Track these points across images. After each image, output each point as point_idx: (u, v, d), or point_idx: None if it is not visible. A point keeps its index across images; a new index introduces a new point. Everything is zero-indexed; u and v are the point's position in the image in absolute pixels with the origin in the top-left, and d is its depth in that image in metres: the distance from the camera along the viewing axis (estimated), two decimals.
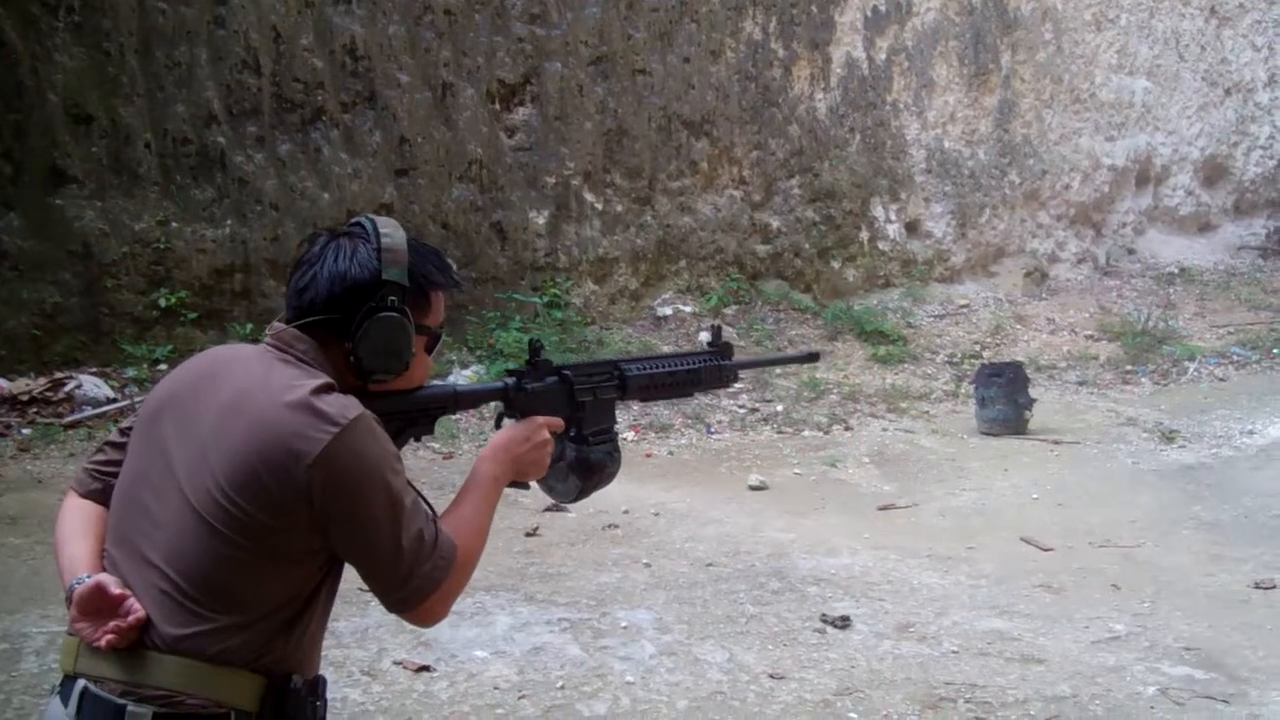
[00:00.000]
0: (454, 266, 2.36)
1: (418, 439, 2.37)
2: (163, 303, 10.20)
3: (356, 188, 11.65)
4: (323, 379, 2.09)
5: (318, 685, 2.16)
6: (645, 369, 2.72)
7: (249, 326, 10.64)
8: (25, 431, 8.88)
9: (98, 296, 10.02)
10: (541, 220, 12.82)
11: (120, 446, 2.26)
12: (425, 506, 2.13)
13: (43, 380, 9.40)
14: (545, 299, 12.26)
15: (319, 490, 1.99)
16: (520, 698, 5.22)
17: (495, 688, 5.31)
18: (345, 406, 2.04)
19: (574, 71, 13.10)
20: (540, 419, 2.42)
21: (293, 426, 2.00)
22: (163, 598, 2.01)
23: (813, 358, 3.48)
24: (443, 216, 12.15)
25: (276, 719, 2.06)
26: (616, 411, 2.70)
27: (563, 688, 5.33)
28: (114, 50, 10.47)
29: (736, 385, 11.61)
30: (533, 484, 2.55)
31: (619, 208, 13.41)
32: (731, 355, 2.93)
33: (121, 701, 1.98)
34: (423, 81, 12.17)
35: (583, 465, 2.57)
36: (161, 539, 2.05)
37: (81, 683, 2.03)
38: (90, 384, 9.45)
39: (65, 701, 2.05)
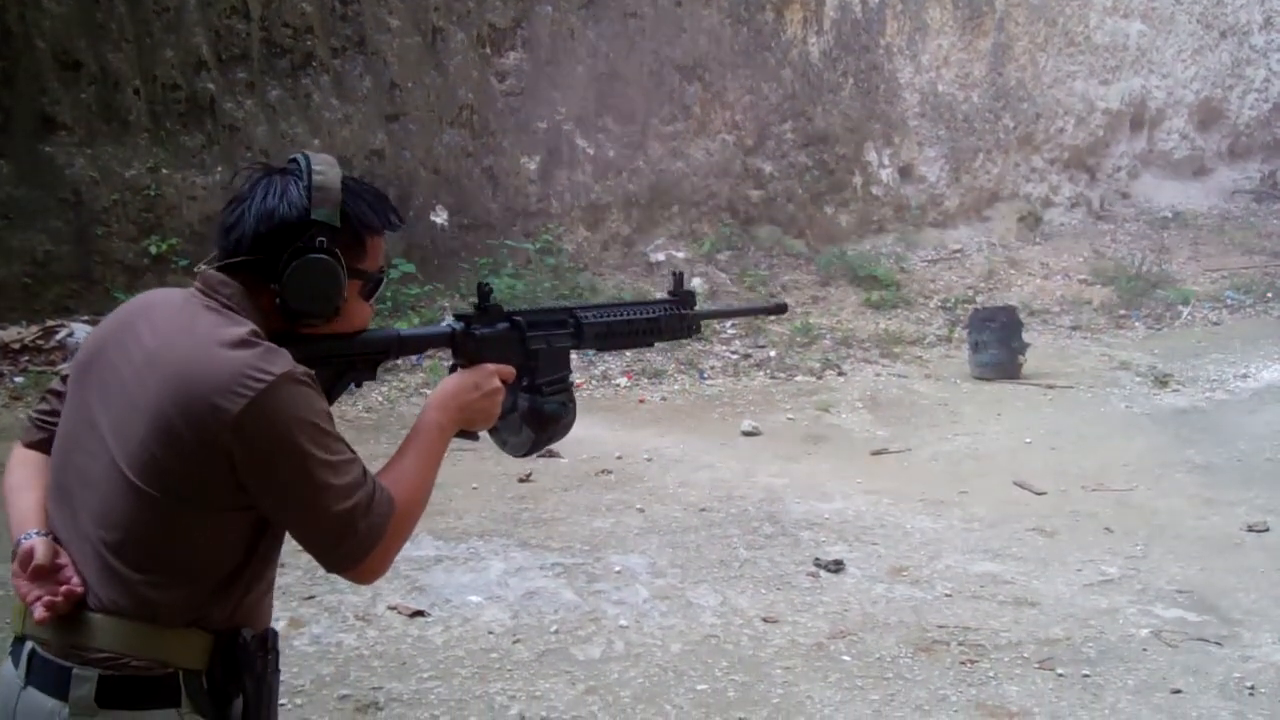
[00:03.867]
0: (391, 204, 2.22)
1: (358, 384, 2.27)
2: (154, 250, 10.14)
3: (347, 133, 11.58)
4: (247, 328, 1.99)
5: (268, 638, 2.11)
6: (602, 316, 2.58)
7: None
8: (18, 380, 8.85)
9: (89, 244, 9.95)
10: (533, 166, 12.76)
11: (60, 395, 2.19)
12: (359, 463, 2.03)
13: (34, 328, 9.36)
14: (537, 245, 12.21)
15: (240, 450, 1.91)
16: (515, 641, 5.24)
17: (490, 632, 5.33)
18: (269, 361, 1.94)
19: (564, 15, 13.00)
20: (491, 366, 2.29)
21: (213, 382, 1.91)
22: (98, 559, 1.98)
23: (780, 309, 3.33)
24: (434, 162, 12.08)
25: (226, 675, 2.01)
26: (577, 359, 2.59)
27: (556, 632, 5.35)
28: None
29: (728, 332, 11.64)
30: (484, 436, 2.44)
31: (611, 153, 13.35)
32: (694, 305, 2.79)
33: (67, 664, 1.96)
34: (413, 26, 12.07)
35: (536, 416, 2.43)
36: (93, 499, 2.00)
37: (30, 645, 2.01)
38: (82, 332, 9.41)
39: (15, 663, 2.03)
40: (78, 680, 1.94)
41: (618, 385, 10.27)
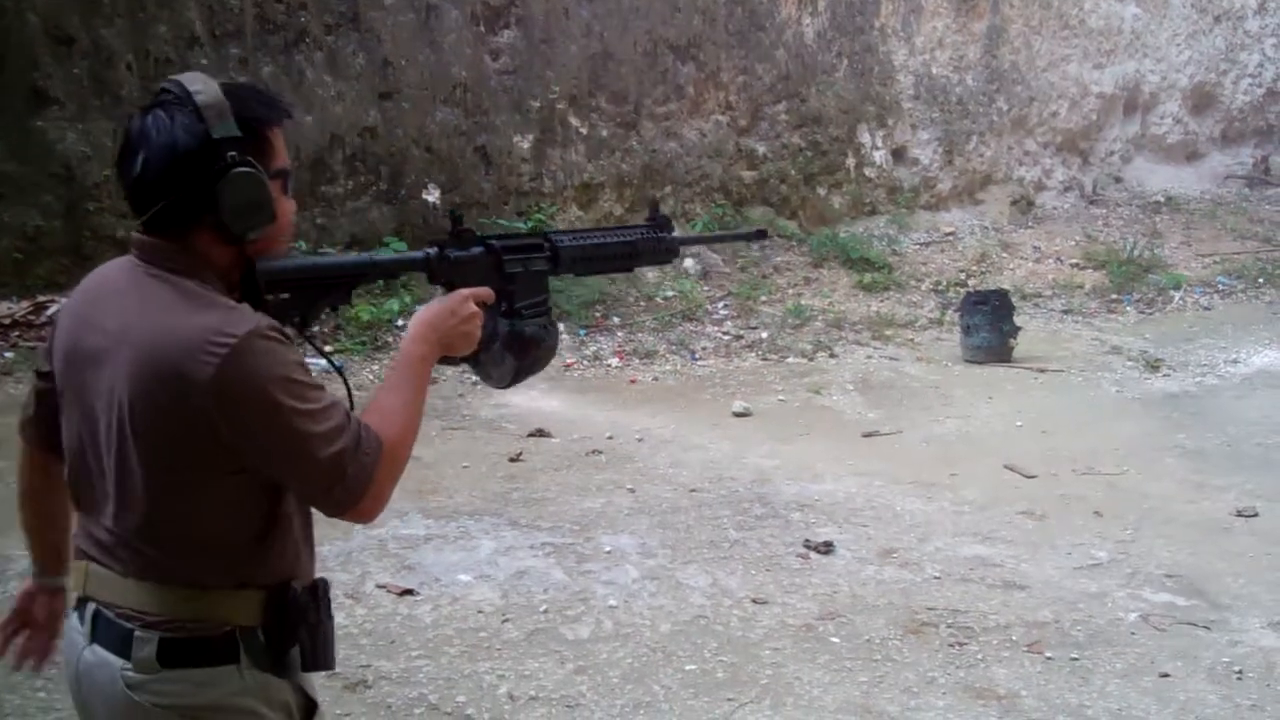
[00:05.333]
0: (279, 95, 2.23)
1: (334, 309, 2.26)
2: None
3: (340, 110, 11.54)
4: (198, 292, 2.02)
5: (318, 589, 2.17)
6: (578, 240, 2.56)
7: None
8: (8, 355, 8.83)
9: (80, 219, 9.91)
10: (526, 145, 12.72)
11: (49, 391, 2.26)
12: (340, 406, 2.05)
13: (25, 303, 9.34)
14: (530, 224, 12.17)
15: (219, 414, 1.94)
16: (504, 621, 5.26)
17: (479, 611, 5.35)
18: (231, 323, 1.96)
19: None
20: (467, 290, 2.27)
21: (180, 352, 1.95)
22: (130, 548, 2.06)
23: (760, 235, 3.32)
24: (427, 140, 12.04)
25: (279, 628, 2.09)
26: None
27: (546, 611, 5.37)
28: None
29: (720, 313, 11.64)
30: (466, 368, 2.46)
31: (604, 133, 13.31)
32: (670, 229, 2.76)
33: (130, 626, 2.04)
34: (407, 3, 12.01)
35: (517, 340, 2.40)
36: (110, 490, 2.06)
37: (93, 605, 2.10)
38: None
39: (80, 621, 2.13)
40: (139, 642, 2.03)
41: (609, 365, 10.26)
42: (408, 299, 10.21)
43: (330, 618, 2.20)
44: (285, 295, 2.13)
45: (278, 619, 2.08)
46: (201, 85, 2.04)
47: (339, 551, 5.84)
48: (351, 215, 11.62)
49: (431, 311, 2.25)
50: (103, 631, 2.08)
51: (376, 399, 2.18)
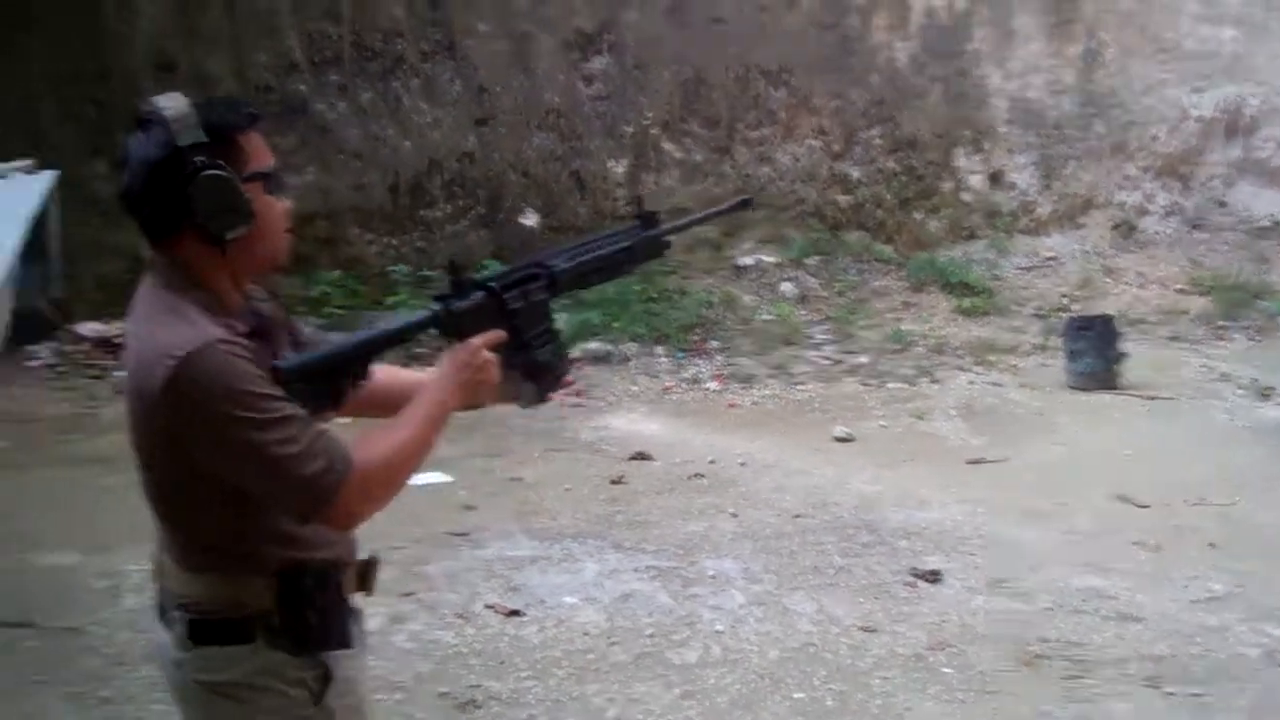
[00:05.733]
0: (244, 102, 2.31)
1: (354, 385, 2.30)
2: None
3: (437, 136, 11.66)
4: (172, 306, 2.11)
5: (326, 572, 2.25)
6: (573, 260, 2.58)
7: (335, 273, 10.70)
8: (120, 373, 8.98)
9: None
10: (620, 169, 12.77)
11: None
12: (300, 420, 2.10)
13: None
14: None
15: (172, 422, 2.06)
16: (610, 644, 5.22)
17: (585, 633, 5.33)
18: (183, 337, 2.05)
19: (650, 20, 13.00)
20: (477, 340, 2.34)
21: (147, 364, 2.06)
22: (162, 531, 2.24)
23: (746, 203, 3.28)
24: (523, 165, 12.12)
25: (287, 610, 2.20)
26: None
27: (652, 635, 5.33)
28: None
29: (818, 337, 11.56)
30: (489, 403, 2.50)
31: (698, 157, 13.32)
32: (659, 223, 2.79)
33: (170, 606, 2.24)
34: (501, 30, 12.13)
35: (532, 369, 2.49)
36: (142, 479, 2.22)
37: (158, 585, 2.30)
38: None
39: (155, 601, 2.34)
40: (174, 621, 2.22)
41: (708, 389, 10.23)
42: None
43: (342, 600, 2.29)
44: (307, 386, 2.19)
45: (287, 602, 2.19)
46: (170, 101, 2.14)
47: (447, 571, 5.87)
48: (450, 239, 11.72)
49: (450, 364, 2.33)
50: (160, 609, 2.28)
51: (374, 429, 2.26)
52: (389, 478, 2.20)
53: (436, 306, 2.36)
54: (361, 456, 2.14)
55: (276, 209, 2.23)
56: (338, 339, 2.32)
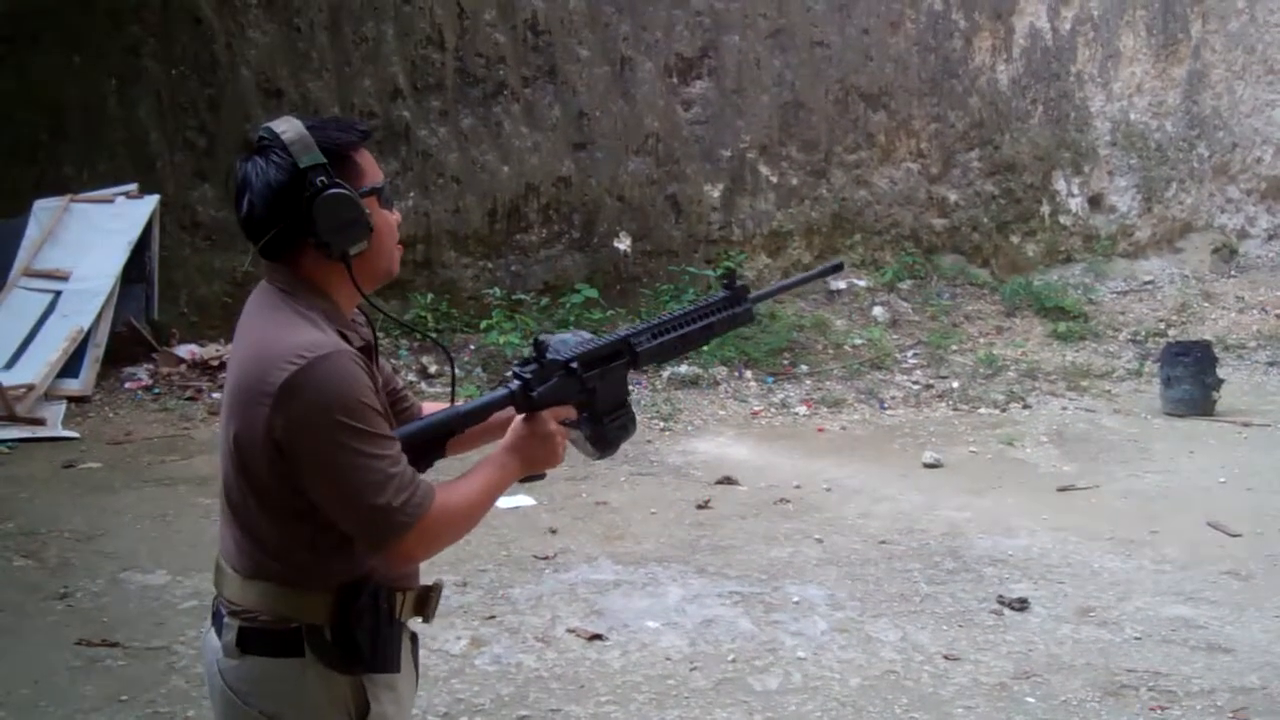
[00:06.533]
0: (355, 120, 2.40)
1: (430, 464, 2.37)
2: None
3: (536, 160, 11.79)
4: (302, 313, 2.18)
5: (378, 595, 2.24)
6: (656, 339, 2.63)
7: (429, 296, 10.85)
8: (215, 395, 9.18)
9: None
10: (716, 193, 12.83)
11: None
12: (395, 445, 2.17)
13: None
14: (718, 272, 12.24)
15: (277, 419, 2.08)
16: (692, 669, 5.24)
17: (667, 658, 5.34)
18: (314, 342, 2.11)
19: (751, 44, 13.05)
20: (546, 414, 2.41)
21: (266, 363, 2.10)
22: (231, 533, 2.27)
23: (837, 268, 3.31)
24: (619, 189, 12.22)
25: (341, 629, 2.20)
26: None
27: (734, 661, 5.34)
28: (304, 26, 10.75)
29: (909, 362, 11.51)
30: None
31: (794, 180, 13.34)
32: (747, 296, 2.79)
33: (224, 613, 2.26)
34: (602, 56, 12.25)
35: (600, 441, 2.55)
36: (223, 483, 2.26)
37: (217, 590, 2.33)
38: None
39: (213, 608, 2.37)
40: (226, 628, 2.25)
41: (796, 413, 10.23)
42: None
43: (392, 623, 2.28)
44: (358, 354, 2.25)
45: (341, 619, 2.20)
46: (286, 125, 2.22)
47: (530, 595, 5.93)
48: (545, 263, 11.84)
49: (518, 436, 2.40)
50: (215, 616, 2.31)
51: (456, 480, 2.32)
52: (448, 533, 2.27)
53: (515, 385, 2.42)
54: (438, 503, 2.20)
55: (390, 221, 2.32)
56: (420, 421, 2.39)
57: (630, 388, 2.61)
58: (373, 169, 2.29)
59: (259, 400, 2.10)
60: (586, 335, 2.59)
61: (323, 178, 2.17)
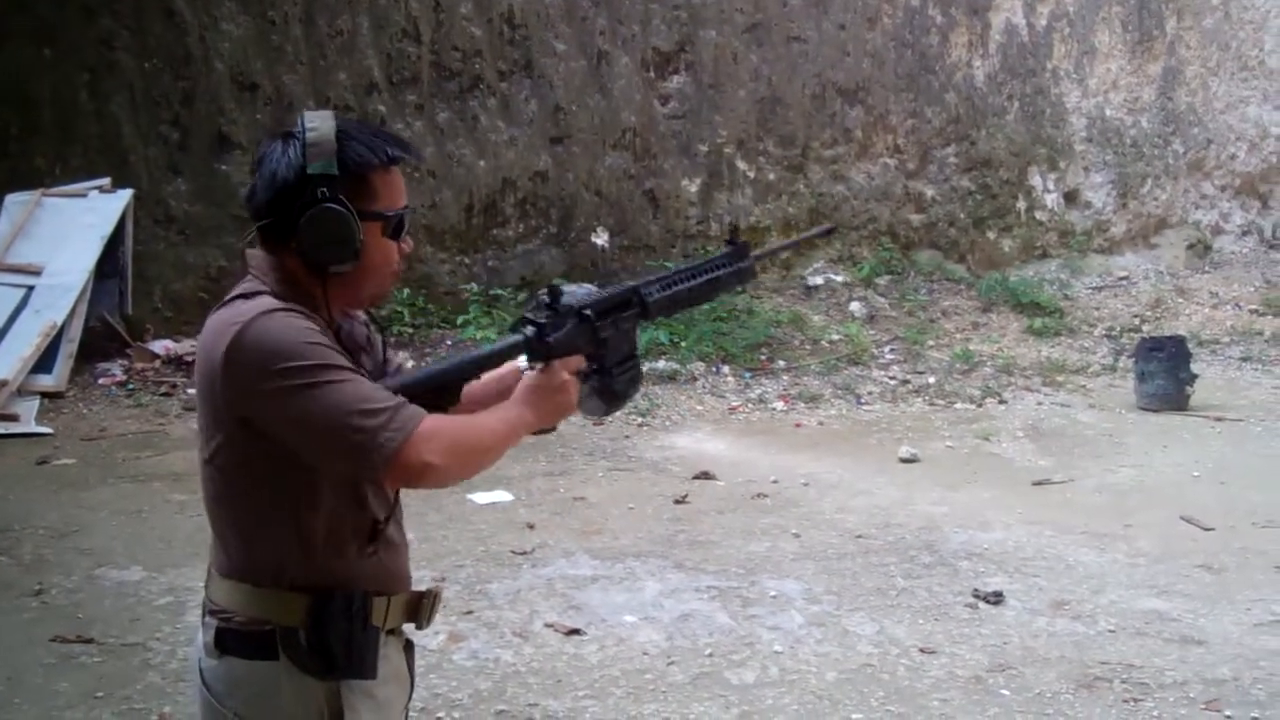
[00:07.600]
0: (396, 138, 2.29)
1: (446, 409, 2.29)
2: None
3: (512, 155, 11.78)
4: (253, 290, 2.15)
5: (351, 600, 2.19)
6: (666, 289, 2.60)
7: (405, 291, 10.83)
8: (190, 391, 9.15)
9: None
10: (693, 188, 12.84)
11: None
12: (364, 379, 2.12)
13: None
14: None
15: (232, 388, 2.06)
16: (669, 664, 5.25)
17: (644, 653, 5.35)
18: (251, 307, 2.09)
19: (728, 39, 13.06)
20: (558, 364, 2.35)
21: (215, 337, 2.09)
22: (212, 530, 2.26)
23: (829, 231, 3.36)
24: (596, 184, 12.22)
25: (315, 633, 2.16)
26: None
27: (711, 655, 5.35)
28: (278, 19, 10.71)
29: (886, 357, 11.55)
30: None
31: (771, 176, 13.36)
32: (749, 253, 2.79)
33: (206, 612, 2.27)
34: (579, 50, 12.24)
35: (607, 394, 2.50)
36: (201, 479, 2.25)
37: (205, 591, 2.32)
38: None
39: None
40: (206, 627, 2.26)
41: (774, 409, 10.25)
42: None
43: (366, 629, 2.22)
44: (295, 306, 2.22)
45: (315, 625, 2.16)
46: (318, 123, 2.17)
47: (507, 590, 5.94)
48: (522, 258, 11.83)
49: (533, 387, 2.34)
50: (202, 616, 2.30)
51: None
52: (453, 451, 2.14)
53: (529, 330, 2.37)
54: (433, 420, 2.12)
55: (389, 251, 2.25)
56: (435, 365, 2.35)
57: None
58: (391, 194, 2.23)
59: (212, 379, 2.09)
60: (591, 288, 2.54)
61: (324, 189, 2.12)
